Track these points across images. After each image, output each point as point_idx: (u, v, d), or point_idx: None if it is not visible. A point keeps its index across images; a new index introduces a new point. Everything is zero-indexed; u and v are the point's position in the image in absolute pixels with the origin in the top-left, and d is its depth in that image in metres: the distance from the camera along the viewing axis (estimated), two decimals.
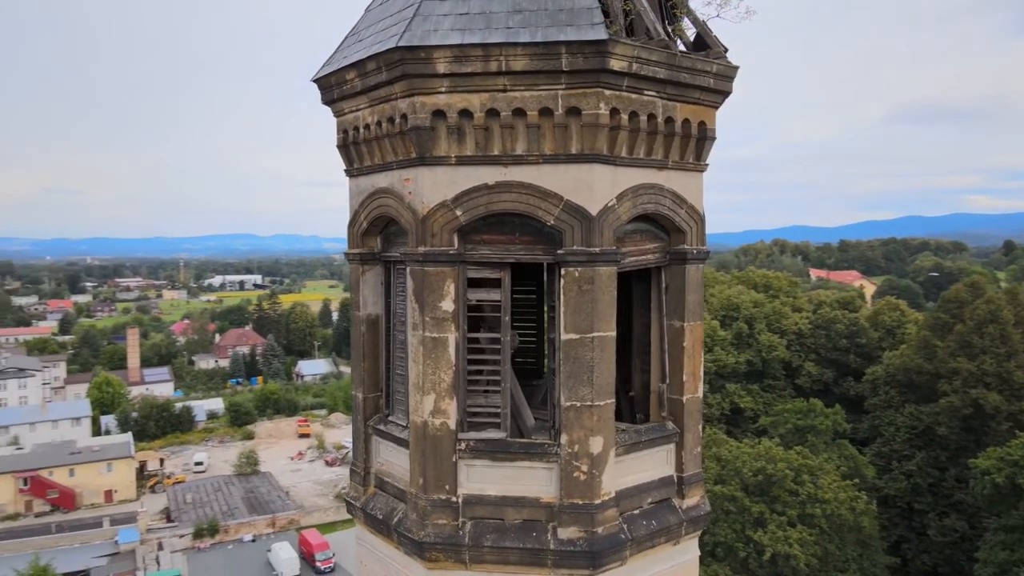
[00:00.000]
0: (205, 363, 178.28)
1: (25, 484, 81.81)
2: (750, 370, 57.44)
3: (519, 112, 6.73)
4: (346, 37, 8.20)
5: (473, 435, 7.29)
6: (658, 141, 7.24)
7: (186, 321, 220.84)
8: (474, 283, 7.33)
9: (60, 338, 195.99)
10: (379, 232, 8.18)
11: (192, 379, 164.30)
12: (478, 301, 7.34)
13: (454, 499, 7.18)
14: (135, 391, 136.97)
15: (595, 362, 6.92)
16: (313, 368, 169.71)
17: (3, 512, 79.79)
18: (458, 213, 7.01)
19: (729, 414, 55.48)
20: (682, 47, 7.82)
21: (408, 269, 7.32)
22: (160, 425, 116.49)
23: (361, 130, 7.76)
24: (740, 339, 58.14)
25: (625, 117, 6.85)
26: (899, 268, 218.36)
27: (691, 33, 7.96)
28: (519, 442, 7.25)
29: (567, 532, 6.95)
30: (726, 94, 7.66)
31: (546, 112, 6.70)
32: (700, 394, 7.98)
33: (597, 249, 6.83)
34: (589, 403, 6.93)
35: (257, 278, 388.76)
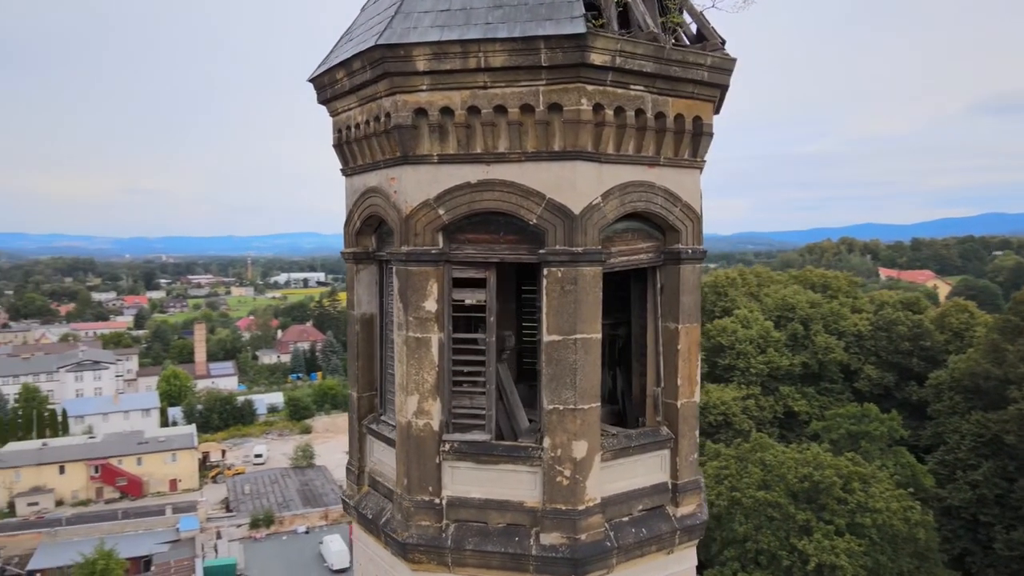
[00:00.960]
0: (268, 358, 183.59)
1: (96, 472, 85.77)
2: (805, 373, 55.69)
3: (500, 109, 6.62)
4: (342, 36, 8.22)
5: (458, 436, 7.21)
6: (648, 137, 7.02)
7: (251, 317, 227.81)
8: (461, 283, 7.25)
9: (134, 332, 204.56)
10: (373, 231, 8.17)
11: (255, 373, 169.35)
12: (463, 301, 7.25)
13: (437, 501, 7.11)
14: (201, 384, 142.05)
15: (578, 365, 6.75)
16: None
17: (76, 498, 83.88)
18: (441, 212, 6.94)
19: (782, 418, 53.94)
20: (685, 40, 7.60)
21: (394, 268, 7.30)
22: (223, 418, 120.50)
23: (352, 129, 7.76)
24: (795, 340, 56.44)
25: (610, 113, 6.65)
26: (977, 268, 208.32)
27: (695, 27, 7.72)
28: (503, 445, 7.13)
29: (550, 538, 6.81)
30: (723, 87, 7.38)
31: (527, 109, 6.57)
32: (696, 399, 7.71)
33: (580, 249, 6.65)
34: (572, 406, 6.77)
35: (320, 275, 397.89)
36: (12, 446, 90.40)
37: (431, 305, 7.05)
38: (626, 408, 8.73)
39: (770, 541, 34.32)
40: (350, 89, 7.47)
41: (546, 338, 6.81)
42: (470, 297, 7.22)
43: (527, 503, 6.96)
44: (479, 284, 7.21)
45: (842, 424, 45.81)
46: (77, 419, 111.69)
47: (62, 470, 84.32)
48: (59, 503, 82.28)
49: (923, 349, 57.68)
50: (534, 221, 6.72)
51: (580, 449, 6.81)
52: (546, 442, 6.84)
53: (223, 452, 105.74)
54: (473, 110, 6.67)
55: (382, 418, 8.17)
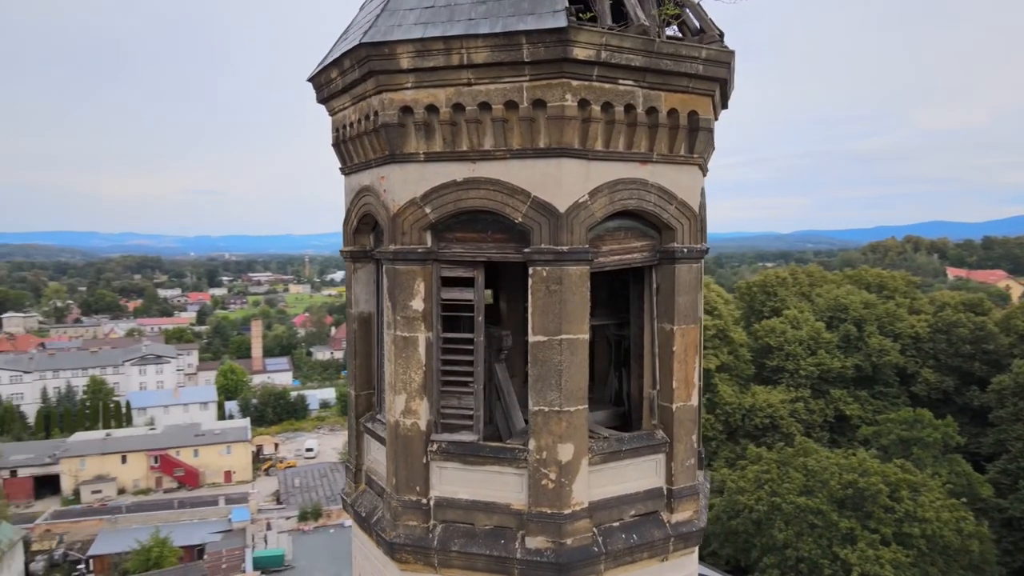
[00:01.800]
0: (321, 354, 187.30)
1: (156, 462, 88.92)
2: (859, 376, 53.88)
3: (485, 106, 6.53)
4: (340, 35, 8.25)
5: (446, 437, 7.16)
6: (640, 133, 6.83)
7: (306, 314, 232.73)
8: (451, 282, 7.19)
9: (196, 328, 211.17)
10: (371, 230, 8.18)
11: (309, 369, 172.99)
12: (451, 300, 7.19)
13: (424, 501, 7.08)
14: (257, 379, 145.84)
15: (563, 366, 6.62)
16: None
17: (137, 487, 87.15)
18: (427, 211, 6.89)
19: (833, 422, 52.32)
20: (687, 32, 7.39)
21: (383, 267, 7.29)
22: (277, 412, 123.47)
23: (347, 128, 7.77)
24: (848, 342, 54.66)
25: (597, 108, 6.49)
26: None
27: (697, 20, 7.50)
28: (489, 446, 7.05)
29: (535, 541, 6.70)
30: (721, 81, 7.13)
31: (511, 105, 6.46)
32: (694, 403, 7.48)
33: (565, 248, 6.52)
34: (557, 408, 6.64)
35: None
36: (78, 436, 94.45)
37: (418, 304, 7.02)
38: (632, 411, 8.55)
39: (811, 549, 33.28)
40: (343, 88, 7.48)
41: (532, 338, 6.70)
42: (459, 296, 7.16)
43: (514, 505, 6.87)
44: (468, 283, 7.15)
45: (893, 429, 44.12)
46: (140, 411, 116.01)
47: (124, 460, 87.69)
48: (121, 491, 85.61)
49: (986, 352, 55.17)
50: (519, 219, 6.62)
51: (566, 452, 6.67)
52: (531, 444, 6.73)
53: (276, 446, 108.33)
54: (458, 107, 6.60)
55: (377, 417, 8.18)
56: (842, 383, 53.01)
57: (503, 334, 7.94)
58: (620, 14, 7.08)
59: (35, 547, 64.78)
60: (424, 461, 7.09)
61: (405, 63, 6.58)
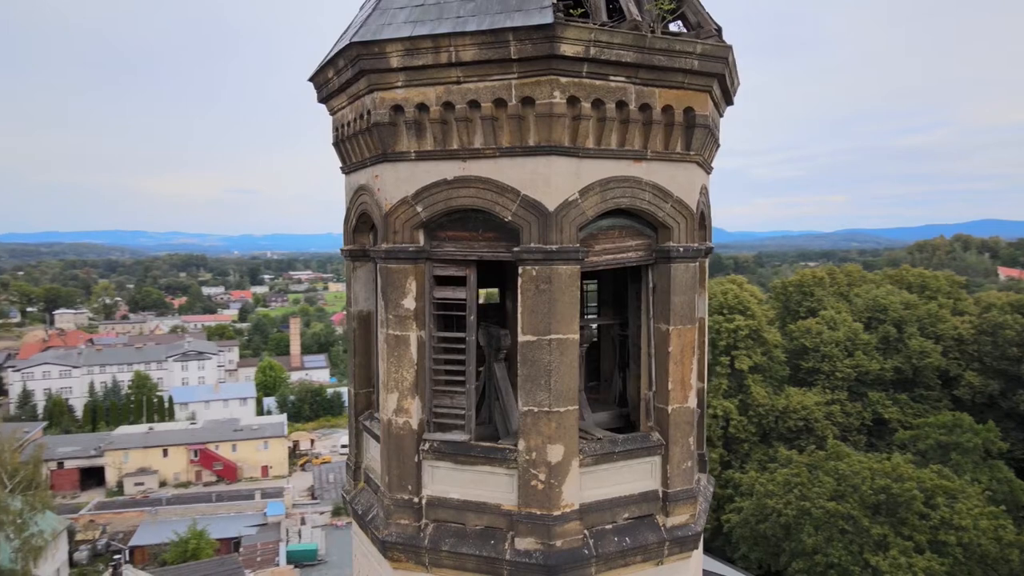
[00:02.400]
0: None
1: (195, 456, 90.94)
2: (898, 378, 52.46)
3: (474, 104, 6.50)
4: (341, 35, 8.29)
5: (438, 436, 7.15)
6: (633, 130, 6.72)
7: (344, 312, 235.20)
8: (445, 280, 7.18)
9: (237, 325, 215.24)
10: (369, 229, 8.21)
11: (345, 366, 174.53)
12: (444, 299, 7.17)
13: (416, 500, 7.08)
14: (295, 376, 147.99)
15: (552, 366, 6.55)
16: None
17: (177, 480, 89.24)
18: (419, 209, 6.88)
19: (871, 425, 51.03)
20: (688, 27, 7.27)
21: (377, 266, 7.31)
22: (314, 408, 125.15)
23: (345, 128, 7.81)
24: (887, 344, 53.24)
25: (587, 105, 6.40)
26: None
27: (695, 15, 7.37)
28: (480, 446, 7.01)
29: (524, 543, 6.65)
30: (718, 76, 6.97)
31: (500, 103, 6.42)
32: (691, 405, 7.33)
33: (554, 247, 6.45)
34: (547, 409, 6.58)
35: None
36: (123, 429, 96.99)
37: (410, 303, 7.01)
38: (632, 412, 8.45)
39: (842, 555, 32.46)
40: (339, 88, 7.51)
41: (521, 338, 6.65)
42: (451, 295, 7.14)
43: (504, 506, 6.83)
44: (461, 282, 7.12)
45: (931, 434, 42.80)
46: (182, 406, 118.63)
47: (165, 453, 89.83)
48: (162, 484, 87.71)
49: None
50: (509, 218, 6.57)
51: (555, 453, 6.61)
52: (521, 445, 6.68)
53: (312, 441, 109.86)
54: (448, 106, 6.58)
55: (375, 415, 8.20)
56: (881, 386, 51.67)
57: (502, 333, 7.90)
58: (615, 11, 7.00)
59: (79, 537, 66.87)
60: (416, 460, 7.09)
61: (395, 62, 6.58)
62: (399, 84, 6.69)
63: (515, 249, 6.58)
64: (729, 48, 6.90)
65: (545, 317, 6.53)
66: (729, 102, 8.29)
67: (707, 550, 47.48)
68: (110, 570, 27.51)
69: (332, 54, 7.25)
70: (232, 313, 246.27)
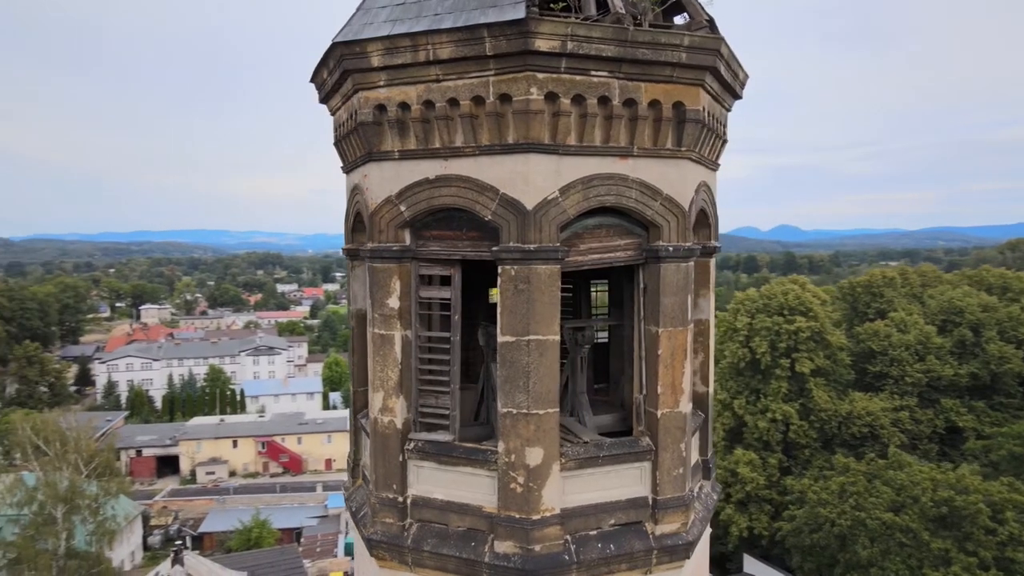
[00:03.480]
0: None
1: (263, 447, 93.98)
2: (974, 384, 49.64)
3: (453, 102, 6.44)
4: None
5: (423, 436, 7.13)
6: (618, 126, 6.54)
7: None
8: (432, 280, 7.15)
9: (308, 321, 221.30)
10: (364, 228, 8.24)
11: None
12: (429, 299, 7.14)
13: (400, 499, 7.08)
14: None
15: (531, 367, 6.44)
16: None
17: (246, 470, 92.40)
18: (402, 208, 6.88)
19: (943, 433, 48.49)
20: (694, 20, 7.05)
21: (366, 265, 7.34)
22: None
23: (341, 127, 7.87)
24: (963, 348, 50.46)
25: (567, 101, 6.26)
26: None
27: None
28: (463, 446, 6.96)
29: (503, 546, 6.57)
30: (709, 69, 6.70)
31: (479, 101, 6.34)
32: (683, 410, 7.09)
33: (532, 246, 6.34)
34: (525, 411, 6.47)
35: None
36: (196, 420, 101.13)
37: (394, 302, 7.02)
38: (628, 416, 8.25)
39: (899, 569, 30.81)
40: (332, 88, 7.57)
41: (500, 339, 6.56)
42: (437, 294, 7.11)
43: (485, 508, 6.76)
44: (446, 282, 7.08)
45: (1004, 444, 40.29)
46: (252, 399, 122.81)
47: (235, 444, 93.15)
48: (232, 474, 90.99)
49: None
50: (489, 217, 6.49)
51: (534, 456, 6.49)
52: (500, 446, 6.60)
53: None
54: (428, 104, 6.54)
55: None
56: (955, 392, 49.01)
57: (493, 332, 7.82)
58: (603, 5, 6.82)
59: (153, 522, 70.08)
60: (400, 459, 7.09)
61: (376, 61, 6.58)
62: (382, 83, 6.70)
63: (494, 248, 6.50)
64: (720, 40, 6.63)
65: (524, 318, 6.42)
66: (735, 96, 8.00)
67: (765, 558, 46.31)
68: (171, 555, 28.70)
69: (323, 55, 7.31)
70: (304, 310, 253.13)
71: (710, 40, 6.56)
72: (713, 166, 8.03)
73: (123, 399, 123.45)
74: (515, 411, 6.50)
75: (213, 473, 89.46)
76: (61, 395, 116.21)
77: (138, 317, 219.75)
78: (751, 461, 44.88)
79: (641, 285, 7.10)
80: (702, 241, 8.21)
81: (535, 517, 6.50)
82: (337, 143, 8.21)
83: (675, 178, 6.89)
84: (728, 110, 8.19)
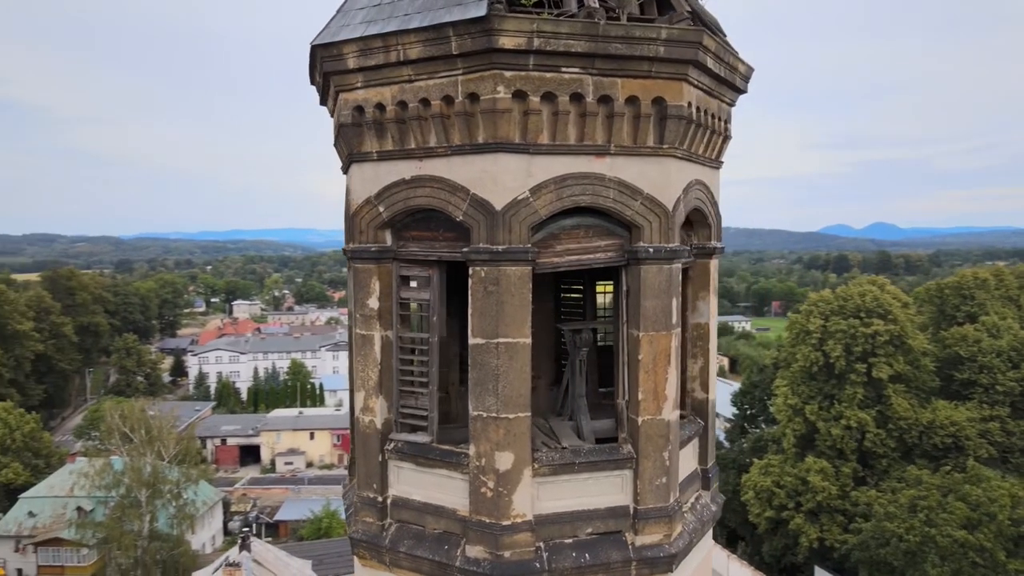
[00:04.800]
0: None
1: (338, 440, 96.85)
2: None
3: (426, 102, 6.41)
4: None
5: (403, 436, 7.14)
6: (593, 124, 6.35)
7: None
8: (410, 280, 7.15)
9: None
10: None
11: None
12: (410, 299, 7.14)
13: (380, 499, 7.11)
14: None
15: (501, 371, 6.33)
16: None
17: (322, 462, 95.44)
18: (381, 209, 6.90)
19: None
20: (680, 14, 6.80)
21: (349, 266, 7.40)
22: None
23: (334, 130, 7.97)
24: None
25: (536, 99, 6.13)
26: None
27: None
28: (439, 448, 6.91)
29: (473, 551, 6.50)
30: (692, 63, 6.42)
31: (449, 101, 6.29)
32: (666, 417, 6.82)
33: (500, 247, 6.24)
34: (495, 415, 6.38)
35: None
36: (277, 412, 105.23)
37: (374, 302, 7.05)
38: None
39: None
40: (323, 90, 7.68)
41: (471, 341, 6.48)
42: (417, 295, 7.10)
43: (459, 511, 6.70)
44: (425, 282, 7.07)
45: None
46: (331, 392, 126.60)
47: (312, 436, 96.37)
48: (308, 464, 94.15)
49: None
50: (460, 218, 6.43)
51: (504, 461, 6.39)
52: (471, 450, 6.52)
53: None
54: (402, 105, 6.54)
55: None
56: None
57: None
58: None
59: (234, 508, 73.35)
60: (380, 459, 7.12)
61: (352, 63, 6.62)
62: (359, 85, 6.73)
63: (464, 250, 6.43)
64: (701, 32, 6.33)
65: (493, 320, 6.32)
66: (736, 89, 7.65)
67: (838, 571, 44.33)
68: (239, 541, 29.94)
69: (309, 58, 7.42)
70: None
71: (690, 32, 6.28)
72: (712, 164, 7.71)
73: (212, 390, 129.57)
74: (485, 414, 6.41)
75: (291, 463, 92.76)
76: (156, 385, 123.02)
77: (230, 312, 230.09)
78: (823, 469, 43.05)
79: (624, 288, 6.88)
80: (702, 241, 7.91)
81: (505, 523, 6.40)
82: (334, 145, 8.32)
83: (657, 176, 6.63)
84: (731, 105, 7.85)
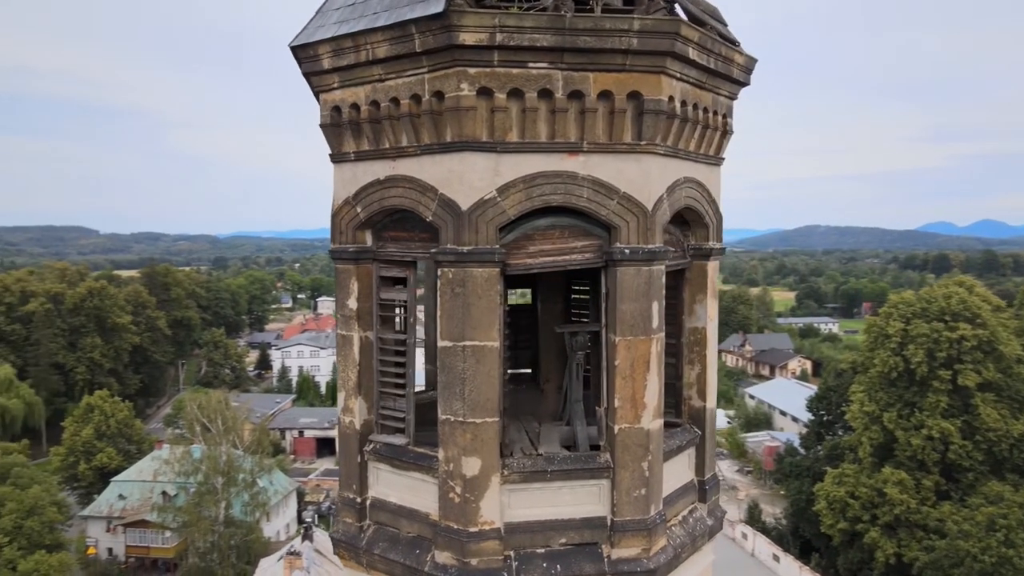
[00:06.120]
0: None
1: None
2: None
3: (395, 102, 6.35)
4: None
5: (383, 438, 7.10)
6: (565, 120, 6.13)
7: None
8: (389, 281, 7.10)
9: None
10: None
11: None
12: (388, 300, 7.09)
13: (359, 500, 7.10)
14: None
15: (467, 374, 6.20)
16: None
17: None
18: (359, 210, 6.89)
19: None
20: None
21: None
22: None
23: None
24: None
25: (503, 96, 5.97)
26: None
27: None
28: (414, 451, 6.84)
29: (442, 556, 6.40)
30: (670, 54, 6.10)
31: (417, 99, 6.21)
32: (645, 426, 6.52)
33: (466, 248, 6.10)
34: (461, 419, 6.25)
35: None
36: None
37: (353, 303, 7.04)
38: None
39: None
40: (313, 90, 7.72)
41: (439, 343, 6.38)
42: (394, 296, 7.05)
43: (431, 516, 6.61)
44: (403, 283, 7.01)
45: None
46: None
47: None
48: None
49: None
50: (430, 218, 6.33)
51: (471, 466, 6.26)
52: (440, 454, 6.42)
53: None
54: (375, 104, 6.50)
55: None
56: None
57: None
58: None
59: (308, 498, 75.66)
60: (359, 460, 7.10)
61: (326, 63, 6.63)
62: (336, 85, 6.74)
63: (432, 250, 6.33)
64: (678, 22, 6.01)
65: (460, 322, 6.19)
66: (734, 82, 7.26)
67: None
68: (301, 531, 30.96)
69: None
70: None
71: (665, 23, 5.97)
72: (709, 160, 7.34)
73: (293, 383, 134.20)
74: (452, 418, 6.29)
75: None
76: (241, 377, 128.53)
77: (315, 308, 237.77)
78: (902, 481, 40.73)
79: (603, 290, 6.62)
80: (699, 242, 7.55)
81: (472, 529, 6.26)
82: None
83: (635, 174, 6.34)
84: (730, 98, 7.45)
